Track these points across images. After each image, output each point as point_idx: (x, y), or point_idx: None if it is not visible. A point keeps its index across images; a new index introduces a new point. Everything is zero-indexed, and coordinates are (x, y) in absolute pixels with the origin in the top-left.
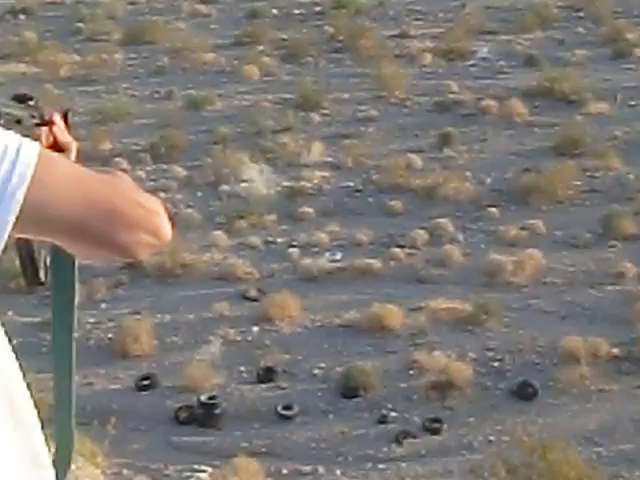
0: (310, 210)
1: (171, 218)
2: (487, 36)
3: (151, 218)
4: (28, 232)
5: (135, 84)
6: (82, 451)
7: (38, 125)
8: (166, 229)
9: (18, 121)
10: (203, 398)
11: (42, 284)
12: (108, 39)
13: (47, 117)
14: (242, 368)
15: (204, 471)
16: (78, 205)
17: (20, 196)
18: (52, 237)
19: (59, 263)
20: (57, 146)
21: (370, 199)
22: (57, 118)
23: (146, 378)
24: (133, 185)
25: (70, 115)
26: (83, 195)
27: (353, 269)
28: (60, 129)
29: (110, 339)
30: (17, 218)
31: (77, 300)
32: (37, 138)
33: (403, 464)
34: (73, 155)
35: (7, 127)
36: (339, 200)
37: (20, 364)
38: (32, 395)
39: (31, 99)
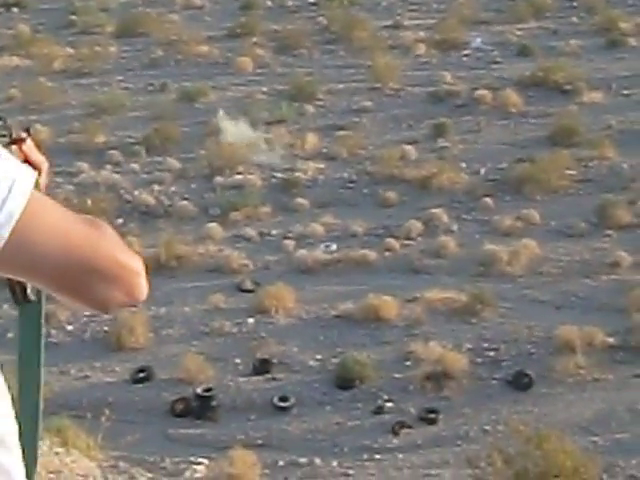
0: (305, 201)
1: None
2: (481, 26)
3: (129, 278)
4: (4, 270)
5: (129, 76)
6: (77, 444)
7: (9, 144)
8: (142, 290)
9: None
10: (199, 390)
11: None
12: (101, 32)
13: (15, 135)
14: (238, 360)
15: (200, 463)
16: (58, 256)
17: (5, 233)
18: (29, 280)
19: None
20: (28, 164)
21: (365, 190)
22: (26, 137)
23: (142, 371)
24: (116, 241)
25: (32, 132)
26: (65, 247)
27: (348, 260)
28: (30, 148)
29: (105, 332)
30: None
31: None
32: None
33: (399, 454)
34: (44, 175)
35: None
36: (334, 191)
37: None
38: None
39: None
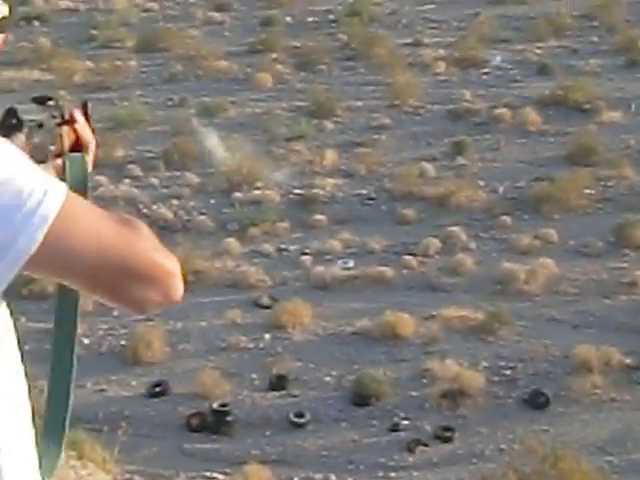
0: (323, 218)
1: (185, 276)
2: (500, 45)
3: (165, 279)
4: (40, 272)
5: (149, 91)
6: (93, 457)
7: (59, 125)
8: (178, 291)
9: (40, 125)
10: (215, 405)
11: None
12: (122, 46)
13: (67, 116)
14: (254, 375)
15: (216, 478)
16: (93, 258)
17: (39, 236)
18: (65, 281)
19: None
20: (78, 143)
21: (383, 207)
22: (78, 115)
23: (158, 385)
24: (152, 241)
25: (89, 106)
26: (100, 249)
27: (365, 277)
28: (82, 127)
29: (122, 346)
30: (32, 257)
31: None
32: (60, 138)
33: (415, 472)
34: (92, 154)
35: (30, 133)
36: (352, 208)
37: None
38: (41, 401)
39: (50, 99)
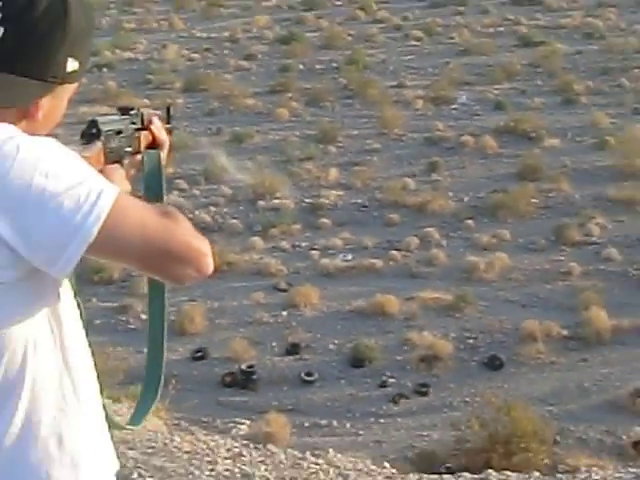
0: (327, 221)
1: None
2: (466, 86)
3: (200, 259)
4: (98, 256)
5: (192, 122)
6: None
7: (138, 130)
8: (209, 267)
9: (119, 132)
10: (243, 367)
11: None
12: (171, 87)
13: (147, 122)
14: (274, 344)
15: (243, 423)
16: (139, 244)
17: (94, 232)
18: (118, 263)
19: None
20: (155, 143)
21: (374, 213)
22: (155, 120)
23: (199, 351)
24: (188, 227)
25: (172, 109)
26: (144, 237)
27: (360, 267)
28: (158, 129)
29: (172, 320)
30: (90, 245)
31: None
32: (137, 140)
33: (399, 419)
34: (165, 151)
35: (107, 140)
36: (350, 213)
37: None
38: (109, 363)
39: (132, 109)
